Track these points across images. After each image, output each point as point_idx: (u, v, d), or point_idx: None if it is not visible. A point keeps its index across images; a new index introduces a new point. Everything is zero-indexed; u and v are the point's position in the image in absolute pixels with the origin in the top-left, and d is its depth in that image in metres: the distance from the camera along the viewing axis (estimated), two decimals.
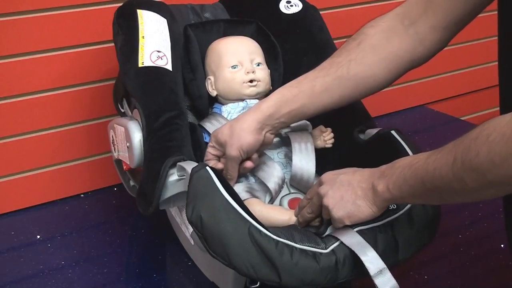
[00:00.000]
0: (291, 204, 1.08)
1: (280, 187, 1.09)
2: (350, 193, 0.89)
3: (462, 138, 0.75)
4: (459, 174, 0.74)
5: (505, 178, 0.70)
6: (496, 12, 0.91)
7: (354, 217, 0.90)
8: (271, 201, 1.09)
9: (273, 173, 1.08)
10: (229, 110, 1.17)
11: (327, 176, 0.95)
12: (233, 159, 1.04)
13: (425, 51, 1.02)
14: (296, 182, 1.10)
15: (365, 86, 1.03)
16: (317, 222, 0.98)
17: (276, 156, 1.13)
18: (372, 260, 0.88)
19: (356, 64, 1.02)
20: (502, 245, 1.16)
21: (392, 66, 1.03)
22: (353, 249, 0.90)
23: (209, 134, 1.15)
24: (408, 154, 1.04)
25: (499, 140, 0.69)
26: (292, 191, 1.11)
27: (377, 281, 0.87)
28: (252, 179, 1.11)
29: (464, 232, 1.25)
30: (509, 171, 0.69)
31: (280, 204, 1.09)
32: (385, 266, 0.88)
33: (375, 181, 0.87)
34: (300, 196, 1.10)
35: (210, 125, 1.14)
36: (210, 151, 1.08)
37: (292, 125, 1.11)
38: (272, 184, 1.08)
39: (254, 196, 1.07)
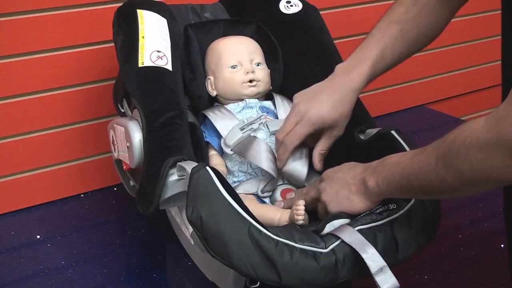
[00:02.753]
0: (283, 194, 1.09)
1: (274, 165, 1.09)
2: (345, 190, 0.95)
3: (443, 139, 0.79)
4: (441, 174, 0.79)
5: (483, 178, 0.75)
6: (496, 12, 0.91)
7: (348, 212, 0.96)
8: (268, 186, 1.09)
9: (263, 153, 1.08)
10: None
11: (327, 173, 1.01)
12: (307, 122, 1.04)
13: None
14: (289, 177, 1.11)
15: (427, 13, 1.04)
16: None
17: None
18: (372, 258, 0.89)
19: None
20: (502, 245, 1.16)
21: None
22: (353, 246, 0.90)
23: (209, 132, 1.15)
24: None
25: (475, 143, 0.73)
26: (285, 181, 1.11)
27: (377, 278, 0.87)
28: (241, 175, 1.11)
29: (464, 232, 1.25)
30: (486, 173, 0.74)
31: (273, 194, 1.10)
32: (386, 264, 0.88)
33: (366, 177, 0.92)
34: (292, 187, 1.10)
35: (214, 115, 1.14)
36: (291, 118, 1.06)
37: None
38: (264, 163, 1.07)
39: (246, 193, 1.08)
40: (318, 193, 1.00)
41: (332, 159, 1.16)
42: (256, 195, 1.10)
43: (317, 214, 1.03)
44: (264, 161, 1.08)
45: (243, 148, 1.09)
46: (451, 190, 0.80)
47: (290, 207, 1.04)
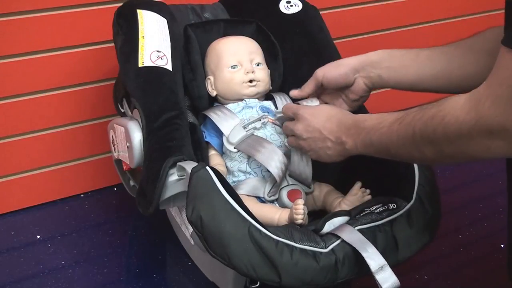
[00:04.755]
0: (290, 195, 1.08)
1: (283, 172, 1.08)
2: (321, 142, 0.99)
3: (422, 113, 0.82)
4: (419, 146, 0.83)
5: (459, 154, 0.79)
6: (499, 12, 0.91)
7: (323, 161, 1.01)
8: (273, 190, 1.08)
9: (273, 157, 1.07)
10: None
11: (303, 115, 1.03)
12: (313, 77, 1.11)
13: None
14: (295, 174, 1.10)
15: (467, 68, 1.03)
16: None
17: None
18: (373, 256, 0.89)
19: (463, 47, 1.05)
20: (502, 245, 1.16)
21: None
22: (353, 245, 0.90)
23: (209, 132, 1.15)
24: None
25: (454, 122, 0.77)
26: (290, 182, 1.11)
27: (378, 277, 0.87)
28: (240, 175, 1.11)
29: (464, 232, 1.26)
30: (462, 148, 0.78)
31: (279, 196, 1.09)
32: (386, 263, 0.88)
33: (344, 138, 0.95)
34: (299, 188, 1.10)
35: (216, 116, 1.14)
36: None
37: None
38: (274, 168, 1.07)
39: (248, 194, 1.08)
40: (295, 137, 1.04)
41: None
42: (261, 199, 1.10)
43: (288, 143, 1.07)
44: (273, 164, 1.07)
45: (249, 147, 1.09)
46: (428, 160, 0.84)
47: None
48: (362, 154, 0.94)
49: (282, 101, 1.19)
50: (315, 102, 1.13)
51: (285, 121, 1.09)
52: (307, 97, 1.14)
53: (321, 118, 1.01)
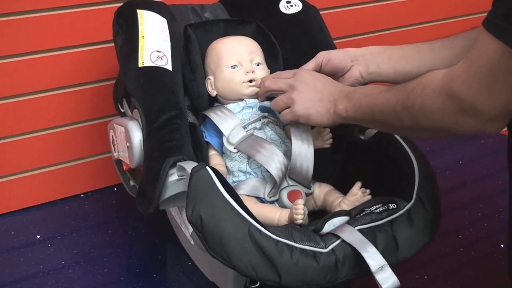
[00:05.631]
0: (290, 196, 1.08)
1: (283, 173, 1.08)
2: (317, 101, 1.00)
3: (405, 85, 0.87)
4: (399, 114, 0.86)
5: (435, 128, 0.83)
6: None
7: (309, 121, 1.02)
8: (273, 190, 1.08)
9: (273, 158, 1.07)
10: None
11: (304, 75, 1.05)
12: (316, 57, 1.12)
13: None
14: (295, 174, 1.10)
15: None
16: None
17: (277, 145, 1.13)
18: (373, 256, 0.89)
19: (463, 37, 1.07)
20: (502, 245, 1.16)
21: None
22: (353, 245, 0.90)
23: (209, 132, 1.15)
24: (408, 154, 1.04)
25: (431, 95, 0.81)
26: (290, 183, 1.11)
27: (378, 277, 0.87)
28: (240, 175, 1.11)
29: (464, 232, 1.25)
30: (437, 123, 0.81)
31: (280, 196, 1.09)
32: (386, 263, 0.88)
33: (339, 99, 0.98)
34: (299, 188, 1.10)
35: (216, 116, 1.14)
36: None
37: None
38: (273, 169, 1.06)
39: (248, 194, 1.07)
40: (289, 88, 1.03)
41: (332, 159, 1.16)
42: (261, 199, 1.10)
43: (272, 104, 1.07)
44: (273, 165, 1.07)
45: (249, 148, 1.09)
46: (407, 129, 0.88)
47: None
48: (349, 119, 0.97)
49: None
50: None
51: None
52: None
53: (319, 77, 1.04)
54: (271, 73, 1.21)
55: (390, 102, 0.88)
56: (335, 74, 1.12)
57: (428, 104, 0.81)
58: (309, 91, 1.01)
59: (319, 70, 1.13)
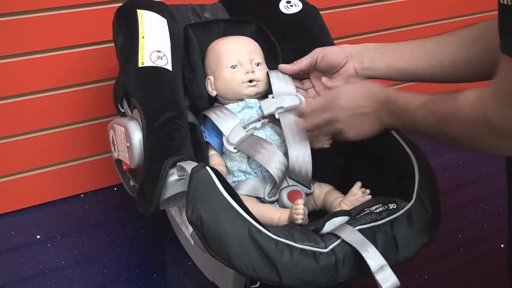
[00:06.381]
0: (290, 196, 1.08)
1: (283, 173, 1.08)
2: (357, 119, 1.02)
3: (443, 103, 0.89)
4: (438, 132, 0.90)
5: (469, 146, 0.88)
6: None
7: (361, 137, 1.04)
8: (273, 190, 1.08)
9: (273, 158, 1.07)
10: None
11: (336, 102, 1.03)
12: (311, 53, 1.15)
13: None
14: (295, 175, 1.10)
15: (458, 54, 1.07)
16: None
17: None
18: (373, 257, 0.89)
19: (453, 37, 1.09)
20: (502, 245, 1.16)
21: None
22: (353, 245, 0.90)
23: (209, 132, 1.15)
24: (408, 154, 1.04)
25: (463, 118, 0.84)
26: (290, 183, 1.11)
27: (378, 277, 0.87)
28: (240, 175, 1.11)
29: (464, 232, 1.26)
30: (469, 143, 0.86)
31: (280, 196, 1.09)
32: (386, 263, 0.88)
33: (382, 116, 1.00)
34: (299, 188, 1.10)
35: (216, 116, 1.14)
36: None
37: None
38: (273, 169, 1.06)
39: (248, 194, 1.07)
40: (331, 121, 1.04)
41: (332, 159, 1.16)
42: (261, 199, 1.10)
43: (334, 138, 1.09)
44: (272, 165, 1.07)
45: (249, 148, 1.09)
46: (450, 146, 0.93)
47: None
48: (394, 127, 1.03)
49: (278, 78, 1.18)
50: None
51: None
52: (298, 72, 1.17)
53: (354, 93, 1.04)
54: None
55: (427, 120, 0.91)
56: (330, 70, 1.14)
57: (461, 127, 0.85)
58: (352, 117, 1.02)
59: (314, 66, 1.15)
